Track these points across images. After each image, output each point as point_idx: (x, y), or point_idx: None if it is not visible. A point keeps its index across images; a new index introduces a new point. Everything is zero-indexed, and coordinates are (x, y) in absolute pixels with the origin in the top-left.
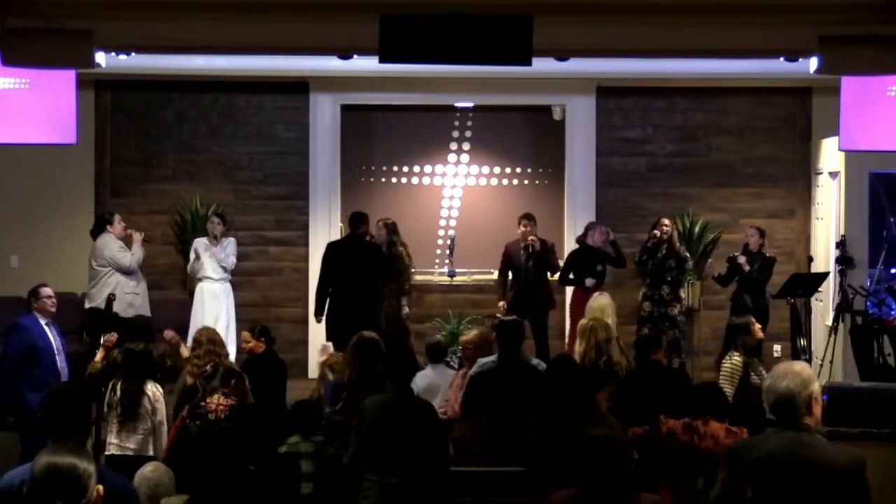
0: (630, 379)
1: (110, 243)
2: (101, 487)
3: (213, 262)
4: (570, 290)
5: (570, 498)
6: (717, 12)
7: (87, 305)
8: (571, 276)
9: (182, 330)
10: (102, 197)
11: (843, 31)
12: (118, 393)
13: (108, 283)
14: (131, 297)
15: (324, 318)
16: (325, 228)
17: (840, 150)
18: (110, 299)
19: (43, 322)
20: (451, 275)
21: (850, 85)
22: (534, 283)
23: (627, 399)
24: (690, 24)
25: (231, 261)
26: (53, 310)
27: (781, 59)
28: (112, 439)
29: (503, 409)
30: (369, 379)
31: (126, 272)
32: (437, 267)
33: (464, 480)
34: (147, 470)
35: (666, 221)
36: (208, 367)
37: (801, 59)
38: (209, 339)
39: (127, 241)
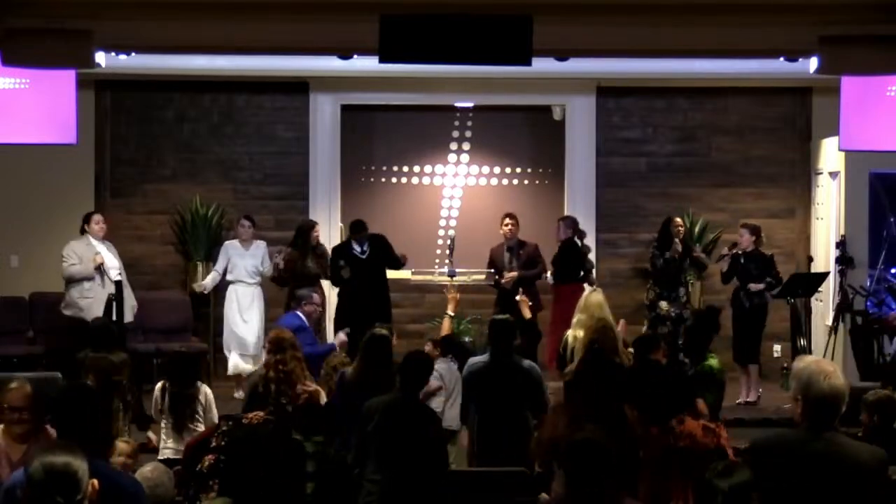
0: (630, 379)
1: (68, 247)
2: (95, 482)
3: (246, 265)
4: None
5: (553, 501)
6: (717, 12)
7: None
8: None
9: (183, 330)
10: (102, 197)
11: (843, 31)
12: (167, 398)
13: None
14: (85, 302)
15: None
16: (325, 229)
17: (840, 150)
18: (110, 300)
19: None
20: (451, 275)
21: (850, 85)
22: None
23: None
24: (690, 24)
25: (269, 269)
26: (317, 316)
27: (781, 59)
28: (168, 444)
29: (495, 409)
30: (377, 374)
31: (65, 279)
32: (437, 267)
33: (464, 480)
34: (146, 470)
35: (679, 220)
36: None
37: (801, 59)
38: (291, 344)
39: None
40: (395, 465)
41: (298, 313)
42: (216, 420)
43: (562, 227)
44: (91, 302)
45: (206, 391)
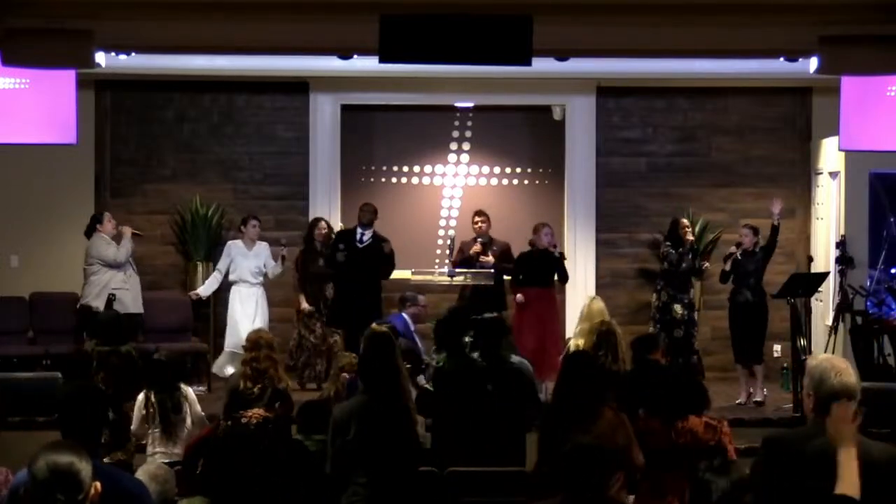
0: (629, 379)
1: (97, 241)
2: (98, 484)
3: (250, 265)
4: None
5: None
6: (717, 12)
7: (79, 304)
8: (521, 277)
9: (183, 330)
10: (102, 197)
11: (843, 31)
12: (154, 404)
13: (94, 281)
14: (120, 293)
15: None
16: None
17: (840, 150)
18: (110, 299)
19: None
20: (451, 275)
21: (850, 85)
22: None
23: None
24: (690, 24)
25: (277, 269)
26: (424, 318)
27: (781, 59)
28: (158, 448)
29: (484, 409)
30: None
31: (114, 265)
32: (436, 267)
33: (462, 480)
34: (151, 467)
35: (685, 221)
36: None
37: (801, 59)
38: (268, 344)
39: (119, 239)
40: (382, 467)
41: (404, 315)
42: (200, 413)
43: (552, 235)
44: (127, 293)
45: (187, 391)
